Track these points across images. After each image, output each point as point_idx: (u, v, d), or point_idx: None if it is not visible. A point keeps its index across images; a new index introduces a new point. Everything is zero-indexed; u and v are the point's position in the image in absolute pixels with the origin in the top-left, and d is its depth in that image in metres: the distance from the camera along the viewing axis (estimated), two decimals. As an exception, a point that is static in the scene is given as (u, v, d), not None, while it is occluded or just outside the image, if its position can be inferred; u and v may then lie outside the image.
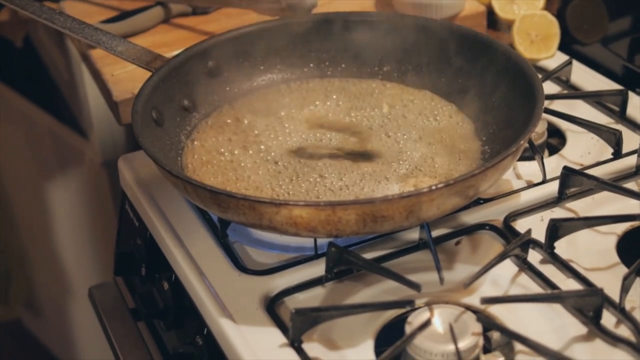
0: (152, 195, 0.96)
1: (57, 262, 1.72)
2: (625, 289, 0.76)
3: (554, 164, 0.97)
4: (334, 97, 1.03)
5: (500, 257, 0.80)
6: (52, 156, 1.61)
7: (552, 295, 0.78)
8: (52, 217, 1.68)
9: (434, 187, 0.75)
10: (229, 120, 1.00)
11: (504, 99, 0.95)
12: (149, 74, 0.95)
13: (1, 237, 1.89)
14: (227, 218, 0.81)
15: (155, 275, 0.95)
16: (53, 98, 1.58)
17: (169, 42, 1.17)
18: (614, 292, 0.78)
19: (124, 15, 1.19)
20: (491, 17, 1.23)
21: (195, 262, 0.86)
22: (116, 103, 1.07)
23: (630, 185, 0.94)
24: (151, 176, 0.98)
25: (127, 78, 1.09)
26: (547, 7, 1.21)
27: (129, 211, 1.01)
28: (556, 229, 0.83)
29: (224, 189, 0.82)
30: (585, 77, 1.13)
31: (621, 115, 1.05)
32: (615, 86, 1.11)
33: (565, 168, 0.90)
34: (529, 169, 0.97)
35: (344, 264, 0.81)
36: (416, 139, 0.95)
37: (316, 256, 0.85)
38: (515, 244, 0.82)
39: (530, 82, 0.89)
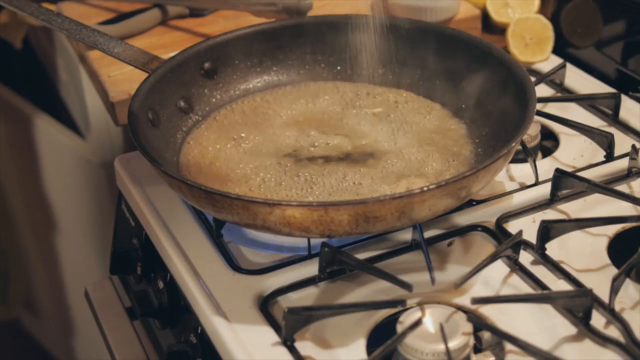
0: (148, 195, 0.97)
1: (55, 262, 1.73)
2: (614, 290, 0.77)
3: (546, 166, 0.98)
4: (329, 99, 1.04)
5: (492, 258, 0.81)
6: (49, 156, 1.62)
7: (542, 295, 0.78)
8: (50, 217, 1.69)
9: (425, 189, 0.76)
10: (224, 122, 1.01)
11: (497, 101, 0.95)
12: (145, 75, 0.96)
13: (0, 236, 1.90)
14: (222, 218, 0.82)
15: (151, 274, 0.95)
16: (51, 98, 1.58)
17: (166, 44, 1.18)
18: (604, 293, 0.78)
19: (121, 17, 1.20)
20: (486, 20, 1.24)
21: (190, 261, 0.87)
22: (113, 104, 1.08)
23: (622, 187, 0.95)
24: (147, 176, 0.98)
25: (124, 79, 1.10)
26: (542, 10, 1.22)
27: (125, 211, 1.02)
28: (547, 231, 0.84)
29: (218, 189, 0.83)
30: (578, 80, 1.14)
31: (614, 118, 1.06)
32: (608, 89, 1.12)
33: (557, 170, 0.91)
34: (522, 171, 0.98)
35: (337, 264, 0.82)
36: (409, 141, 0.96)
37: (309, 256, 0.86)
38: (506, 245, 0.82)
39: (523, 85, 0.90)
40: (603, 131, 0.98)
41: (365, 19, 1.07)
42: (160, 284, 0.91)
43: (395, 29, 1.05)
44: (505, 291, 0.82)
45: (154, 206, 0.95)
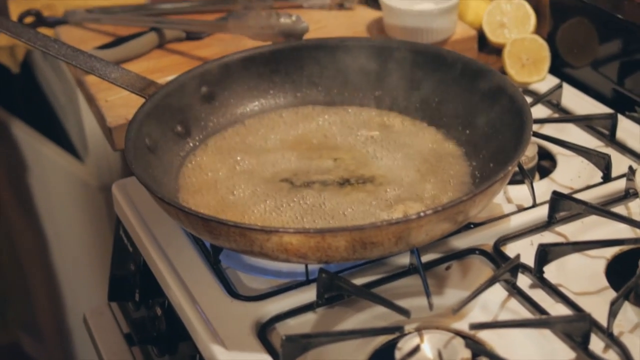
0: (145, 221, 0.97)
1: (55, 286, 1.72)
2: (612, 314, 0.77)
3: (544, 188, 0.98)
4: (326, 122, 1.04)
5: (490, 283, 0.81)
6: (48, 179, 1.62)
7: (540, 320, 0.78)
8: (49, 240, 1.69)
9: (422, 214, 0.76)
10: (221, 146, 1.01)
11: (493, 124, 0.95)
12: (143, 99, 0.96)
13: (-1, 259, 1.90)
14: (219, 244, 0.82)
15: (149, 300, 0.95)
16: (49, 121, 1.59)
17: (163, 68, 1.19)
18: (602, 317, 0.78)
19: (118, 41, 1.21)
20: (482, 40, 1.24)
21: (188, 288, 0.87)
22: (110, 129, 1.08)
23: (620, 208, 0.95)
24: (145, 202, 0.98)
25: (121, 104, 1.10)
26: (538, 30, 1.22)
27: (124, 237, 1.02)
28: (545, 254, 0.84)
29: (216, 215, 0.83)
30: (575, 100, 1.14)
31: (611, 138, 1.06)
32: (605, 109, 1.12)
33: (555, 193, 0.91)
34: (520, 193, 0.98)
35: (334, 289, 0.82)
36: (405, 165, 0.96)
37: (307, 282, 0.86)
38: (504, 269, 0.82)
39: (519, 107, 0.90)
40: (600, 152, 0.98)
41: (361, 42, 1.07)
42: (158, 311, 0.91)
43: (392, 51, 1.05)
44: (504, 315, 0.82)
45: (151, 232, 0.95)
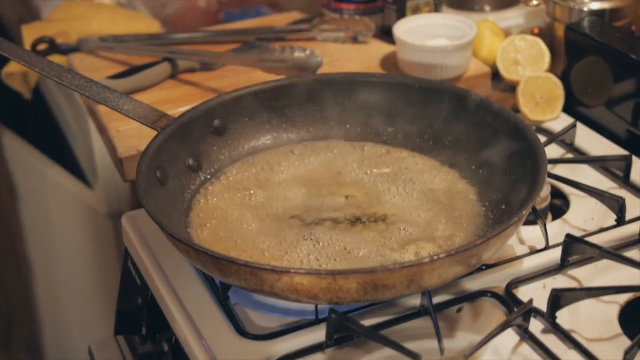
0: (154, 254, 0.96)
1: (61, 312, 1.71)
2: (627, 363, 0.76)
3: (557, 229, 0.97)
4: (338, 158, 1.03)
5: (502, 327, 0.80)
6: (56, 205, 1.62)
7: (553, 369, 0.77)
8: (56, 266, 1.68)
9: (435, 257, 0.75)
10: (233, 180, 1.00)
11: (507, 164, 0.95)
12: (154, 131, 0.96)
13: (6, 282, 1.89)
14: (229, 282, 0.81)
15: (156, 335, 0.94)
16: (59, 146, 1.58)
17: (175, 98, 1.18)
18: (614, 363, 0.77)
19: (131, 70, 1.20)
20: (495, 77, 1.24)
21: (195, 324, 0.86)
22: (121, 159, 1.08)
23: (633, 253, 0.94)
24: (154, 235, 0.98)
25: (133, 134, 1.10)
26: (552, 69, 1.22)
27: (132, 268, 1.01)
28: (558, 299, 0.83)
29: (226, 253, 0.82)
30: (589, 140, 1.14)
31: (625, 180, 1.05)
32: (619, 150, 1.11)
33: (568, 236, 0.90)
34: (532, 234, 0.97)
35: (344, 330, 0.81)
36: (417, 204, 0.95)
37: (317, 321, 0.85)
38: (517, 313, 0.81)
39: (533, 149, 0.90)
40: (614, 195, 0.97)
41: (375, 78, 1.07)
42: (165, 346, 0.90)
43: (405, 87, 1.05)
44: (515, 361, 0.81)
45: (160, 266, 0.95)
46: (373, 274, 0.75)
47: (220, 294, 0.88)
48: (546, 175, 0.86)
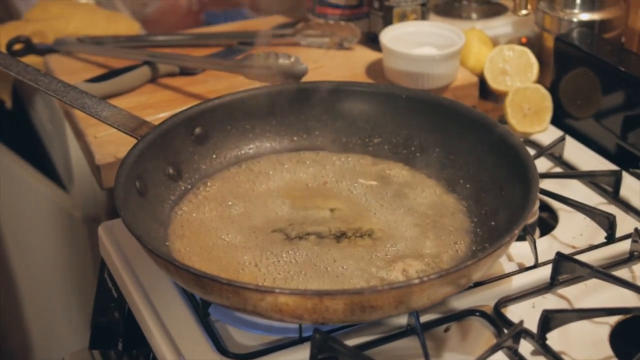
0: (132, 267, 0.93)
1: (33, 317, 1.67)
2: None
3: (545, 246, 0.95)
4: (322, 169, 1.01)
5: (492, 350, 0.77)
6: (30, 208, 1.58)
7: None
8: (30, 270, 1.64)
9: (425, 279, 0.73)
10: (214, 191, 0.97)
11: (496, 179, 0.92)
12: (133, 139, 0.93)
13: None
14: (210, 300, 0.78)
15: (133, 351, 0.91)
16: (36, 148, 1.55)
17: (155, 104, 1.15)
18: (607, 389, 0.75)
19: (110, 74, 1.17)
20: (483, 86, 1.21)
21: (174, 341, 0.83)
22: (98, 167, 1.04)
23: (623, 271, 0.92)
24: (132, 246, 0.94)
25: (111, 141, 1.07)
26: (540, 80, 1.20)
27: (108, 280, 0.98)
28: (548, 320, 0.81)
29: (206, 268, 0.80)
30: (578, 153, 1.12)
31: (614, 195, 1.03)
32: (608, 164, 1.10)
33: (558, 254, 0.88)
34: (520, 250, 0.94)
35: (328, 351, 0.78)
36: (404, 218, 0.92)
37: (300, 340, 0.82)
38: (507, 335, 0.79)
39: (525, 166, 0.87)
40: (604, 212, 0.95)
41: (361, 87, 1.04)
42: (143, 364, 0.87)
43: (393, 97, 1.02)
44: (505, 384, 0.79)
45: (137, 279, 0.91)
46: (361, 295, 0.72)
47: (201, 310, 0.85)
48: (537, 193, 0.84)
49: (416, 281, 0.73)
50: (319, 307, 0.73)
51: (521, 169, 0.88)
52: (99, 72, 1.20)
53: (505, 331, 0.83)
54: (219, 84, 1.18)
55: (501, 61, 1.20)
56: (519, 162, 0.88)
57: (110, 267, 0.97)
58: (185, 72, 1.21)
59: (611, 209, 1.01)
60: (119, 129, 0.94)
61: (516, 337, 0.80)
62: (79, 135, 1.12)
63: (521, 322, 0.80)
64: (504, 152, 0.92)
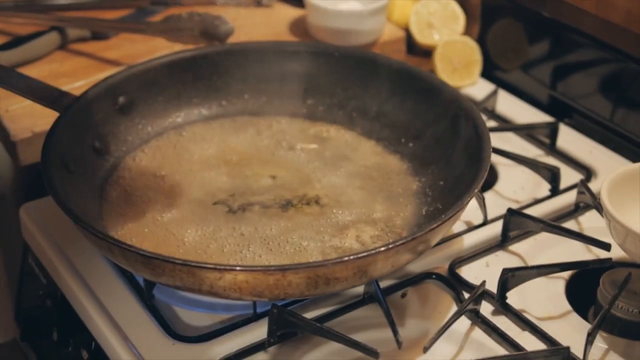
0: (62, 250, 0.86)
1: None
2: (590, 343, 0.73)
3: (489, 201, 0.93)
4: (257, 134, 0.96)
5: (457, 315, 0.75)
6: None
7: (518, 356, 0.73)
8: None
9: (391, 246, 0.70)
10: (144, 163, 0.91)
11: (440, 136, 0.90)
12: (50, 109, 0.86)
13: None
14: (160, 282, 0.73)
15: (69, 340, 0.85)
16: None
17: (68, 72, 1.07)
18: (567, 340, 0.75)
19: (16, 41, 1.08)
20: (410, 41, 1.18)
21: (119, 326, 0.78)
22: (14, 143, 0.96)
23: (571, 223, 0.91)
24: (60, 227, 0.88)
25: (25, 113, 0.99)
26: (467, 32, 1.18)
27: (34, 266, 0.91)
28: (508, 280, 0.79)
29: (147, 247, 0.74)
30: (510, 105, 1.10)
31: (551, 147, 1.02)
32: (540, 114, 1.09)
33: (509, 210, 0.87)
34: (467, 207, 0.92)
35: (288, 326, 0.74)
36: (349, 182, 0.89)
37: (255, 317, 0.78)
38: (469, 299, 0.77)
39: (473, 122, 0.85)
40: (547, 164, 0.94)
41: (291, 46, 1.00)
42: (85, 354, 0.81)
43: (324, 56, 0.98)
44: (470, 347, 0.77)
45: (70, 262, 0.85)
46: (325, 267, 0.69)
47: (145, 292, 0.80)
48: (491, 152, 0.81)
49: (382, 249, 0.69)
50: (281, 282, 0.69)
51: (468, 122, 0.85)
52: (2, 40, 1.11)
53: (464, 293, 0.81)
54: (135, 48, 1.11)
55: (426, 14, 1.17)
56: (467, 118, 0.86)
57: (36, 251, 0.90)
58: (97, 36, 1.13)
59: (549, 160, 1.00)
60: (36, 101, 0.87)
61: (477, 299, 0.78)
62: (-13, 109, 1.03)
63: (483, 284, 0.79)
64: (445, 107, 0.89)
